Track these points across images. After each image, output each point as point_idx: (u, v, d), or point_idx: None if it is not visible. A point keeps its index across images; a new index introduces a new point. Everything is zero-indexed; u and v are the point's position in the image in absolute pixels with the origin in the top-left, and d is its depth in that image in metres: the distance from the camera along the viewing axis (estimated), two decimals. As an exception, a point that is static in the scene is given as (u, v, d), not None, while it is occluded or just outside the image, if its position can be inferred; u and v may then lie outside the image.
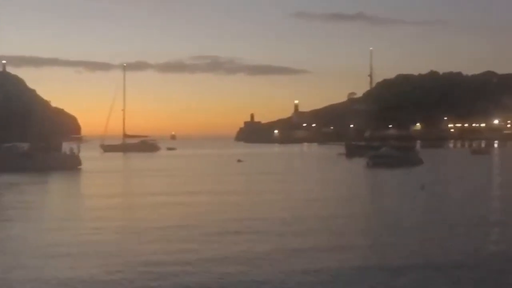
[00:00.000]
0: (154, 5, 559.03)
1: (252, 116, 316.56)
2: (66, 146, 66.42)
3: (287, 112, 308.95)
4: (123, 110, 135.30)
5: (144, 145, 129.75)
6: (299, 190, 39.53)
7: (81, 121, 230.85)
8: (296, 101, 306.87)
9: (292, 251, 17.22)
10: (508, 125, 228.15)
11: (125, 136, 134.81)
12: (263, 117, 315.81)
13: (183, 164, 78.84)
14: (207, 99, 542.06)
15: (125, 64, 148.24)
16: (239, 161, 79.21)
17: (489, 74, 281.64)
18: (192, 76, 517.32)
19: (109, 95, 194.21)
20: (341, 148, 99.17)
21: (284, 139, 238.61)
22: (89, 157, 73.53)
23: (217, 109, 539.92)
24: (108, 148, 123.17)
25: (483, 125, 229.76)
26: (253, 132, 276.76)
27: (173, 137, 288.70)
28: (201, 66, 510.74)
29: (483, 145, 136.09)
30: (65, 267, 15.15)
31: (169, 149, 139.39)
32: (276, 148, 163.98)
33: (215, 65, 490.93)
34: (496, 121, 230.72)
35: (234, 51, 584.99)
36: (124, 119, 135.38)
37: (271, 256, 16.38)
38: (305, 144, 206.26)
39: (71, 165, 60.98)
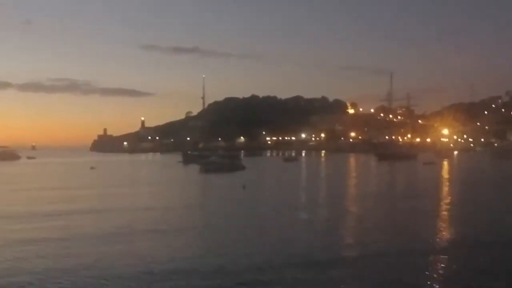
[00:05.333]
0: (16, 29, 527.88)
1: (105, 130, 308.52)
2: None
3: (135, 127, 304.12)
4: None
5: (4, 154, 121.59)
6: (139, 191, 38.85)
7: None
8: (143, 118, 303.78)
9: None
10: (313, 139, 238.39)
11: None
12: (114, 131, 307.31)
13: (39, 171, 75.00)
14: (65, 116, 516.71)
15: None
16: (92, 168, 76.30)
17: (298, 98, 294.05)
18: (51, 96, 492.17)
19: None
20: (179, 157, 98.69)
21: (132, 149, 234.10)
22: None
23: (74, 124, 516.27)
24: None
25: (293, 138, 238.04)
26: (106, 144, 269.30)
27: (33, 148, 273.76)
28: (60, 87, 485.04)
29: (293, 154, 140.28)
30: None
31: (29, 158, 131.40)
32: (126, 157, 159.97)
33: (72, 87, 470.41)
34: (303, 135, 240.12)
35: (90, 75, 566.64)
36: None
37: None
38: (150, 153, 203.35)
39: None
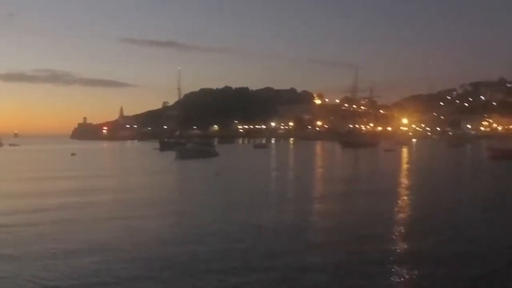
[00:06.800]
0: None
1: (85, 119, 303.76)
2: None
3: (114, 116, 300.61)
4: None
5: None
6: (122, 176, 38.64)
7: None
8: (122, 107, 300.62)
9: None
10: (282, 127, 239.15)
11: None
12: (94, 120, 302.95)
13: (22, 157, 73.88)
14: (47, 105, 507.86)
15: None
16: (72, 154, 75.45)
17: (268, 89, 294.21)
18: (33, 86, 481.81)
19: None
20: (156, 144, 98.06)
21: (112, 137, 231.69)
22: None
23: (55, 113, 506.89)
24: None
25: (263, 126, 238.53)
26: (86, 131, 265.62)
27: (16, 135, 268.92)
28: (42, 78, 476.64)
29: (263, 141, 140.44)
30: None
31: (12, 145, 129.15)
32: (105, 144, 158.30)
33: (54, 77, 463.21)
34: (273, 124, 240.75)
35: (70, 66, 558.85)
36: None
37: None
38: (128, 141, 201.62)
39: None
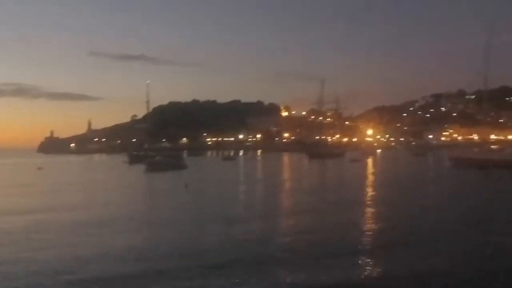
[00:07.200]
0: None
1: (52, 132, 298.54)
2: None
3: (83, 130, 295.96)
4: None
5: None
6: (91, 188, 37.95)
7: None
8: (90, 121, 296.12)
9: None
10: (249, 139, 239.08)
11: None
12: (62, 134, 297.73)
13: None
14: (14, 119, 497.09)
15: None
16: (39, 168, 73.79)
17: (236, 102, 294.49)
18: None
19: None
20: (125, 157, 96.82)
21: (80, 151, 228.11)
22: None
23: (22, 127, 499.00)
24: None
25: (232, 139, 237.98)
26: (53, 145, 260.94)
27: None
28: (8, 91, 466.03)
29: (232, 153, 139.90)
30: None
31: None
32: (72, 158, 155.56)
33: (21, 91, 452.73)
34: (241, 136, 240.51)
35: (38, 80, 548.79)
36: None
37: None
38: (97, 154, 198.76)
39: None
